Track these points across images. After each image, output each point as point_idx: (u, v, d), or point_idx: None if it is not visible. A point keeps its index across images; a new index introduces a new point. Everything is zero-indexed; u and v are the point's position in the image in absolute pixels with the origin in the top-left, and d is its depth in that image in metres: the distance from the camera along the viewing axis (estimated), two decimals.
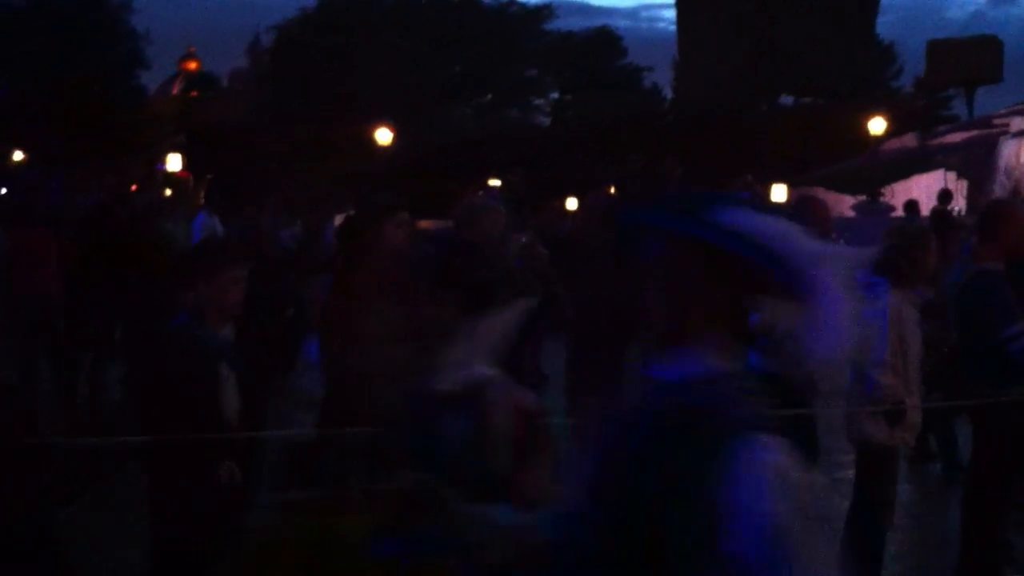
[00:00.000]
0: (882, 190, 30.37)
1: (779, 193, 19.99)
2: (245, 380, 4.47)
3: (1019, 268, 5.42)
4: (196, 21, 77.71)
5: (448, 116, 51.48)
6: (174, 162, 24.48)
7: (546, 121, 56.82)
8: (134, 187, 16.54)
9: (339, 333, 5.05)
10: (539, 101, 57.79)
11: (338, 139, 39.14)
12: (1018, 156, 38.75)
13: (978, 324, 5.23)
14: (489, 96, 55.30)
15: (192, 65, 63.52)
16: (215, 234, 10.83)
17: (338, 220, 11.86)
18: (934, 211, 14.41)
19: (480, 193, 15.11)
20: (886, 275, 5.06)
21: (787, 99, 57.65)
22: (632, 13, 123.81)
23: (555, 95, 57.72)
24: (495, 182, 18.63)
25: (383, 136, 33.41)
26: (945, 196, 15.21)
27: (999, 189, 35.49)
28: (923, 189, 31.83)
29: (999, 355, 5.11)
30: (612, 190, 19.56)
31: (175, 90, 58.58)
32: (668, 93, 60.74)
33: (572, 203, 19.51)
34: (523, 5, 55.66)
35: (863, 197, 27.20)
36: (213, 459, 4.27)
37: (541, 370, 9.18)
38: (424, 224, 13.76)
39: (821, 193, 35.30)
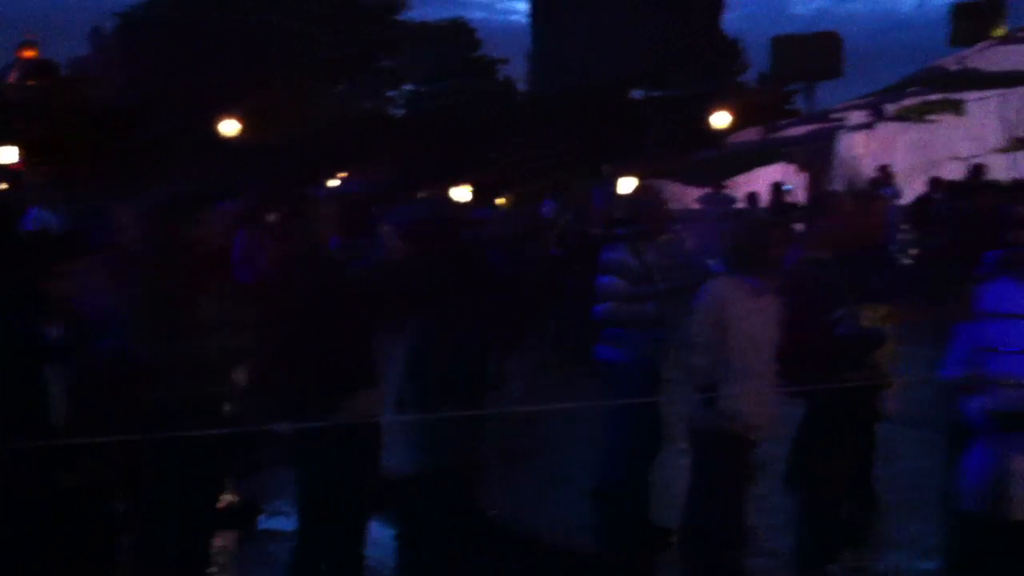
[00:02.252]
0: (726, 182, 31.16)
1: (628, 185, 20.33)
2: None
3: (849, 257, 5.63)
4: (38, 9, 74.76)
5: (299, 105, 50.75)
6: (8, 154, 23.38)
7: (400, 112, 56.57)
8: None
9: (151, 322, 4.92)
10: (393, 92, 57.48)
11: (188, 127, 38.18)
12: (855, 149, 40.29)
13: (808, 310, 5.41)
14: (343, 86, 54.73)
15: (29, 53, 61.03)
16: (47, 228, 10.41)
17: None
18: (770, 202, 14.90)
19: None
20: (724, 263, 5.21)
21: (637, 93, 58.65)
22: (487, 4, 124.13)
23: (409, 86, 57.50)
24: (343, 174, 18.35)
25: (228, 127, 32.68)
26: (777, 188, 15.74)
27: (837, 181, 36.84)
28: (766, 181, 32.73)
29: (827, 339, 5.30)
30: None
31: (12, 79, 56.35)
32: (522, 85, 61.17)
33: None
34: None
35: (708, 189, 27.87)
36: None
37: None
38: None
39: (668, 185, 36.11)
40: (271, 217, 11.44)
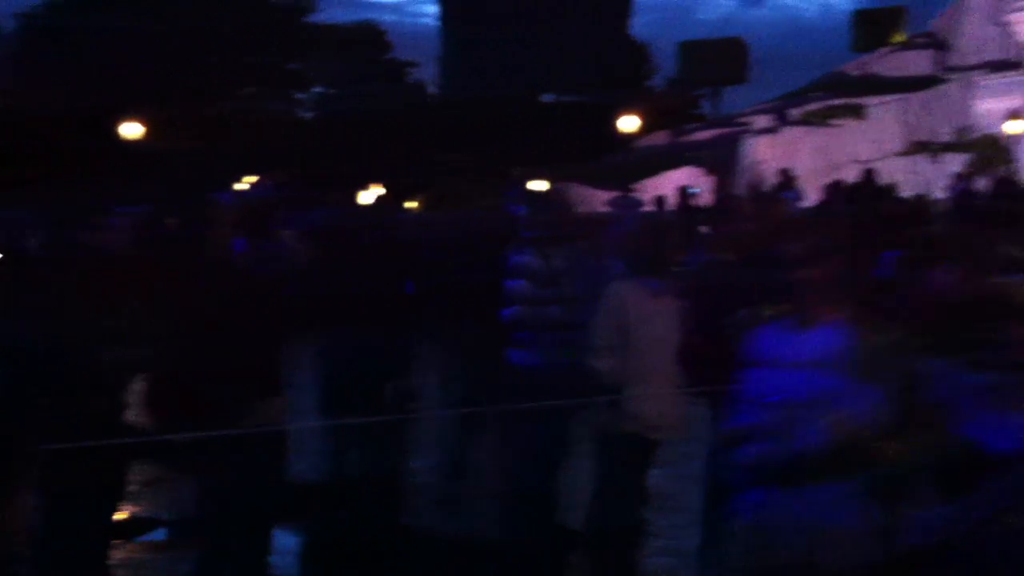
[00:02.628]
0: (635, 186, 31.49)
1: (538, 189, 20.36)
2: None
3: (751, 259, 5.70)
4: None
5: (205, 108, 50.05)
6: None
7: (309, 115, 56.11)
8: None
9: None
10: (302, 95, 56.99)
11: (86, 130, 37.33)
12: (759, 152, 41.00)
13: (711, 311, 5.46)
14: (249, 89, 54.10)
15: None
16: None
17: None
18: (677, 206, 15.08)
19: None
20: (624, 266, 5.24)
21: (548, 97, 58.99)
22: (397, 7, 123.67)
23: (318, 89, 57.08)
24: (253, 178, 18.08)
25: (131, 130, 32.01)
26: (684, 191, 15.95)
27: (743, 185, 37.47)
28: (673, 185, 33.15)
29: (731, 340, 5.36)
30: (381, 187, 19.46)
31: None
32: (433, 89, 61.09)
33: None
34: None
35: (616, 193, 28.13)
36: None
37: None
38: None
39: (578, 188, 36.37)
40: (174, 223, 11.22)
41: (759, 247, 5.60)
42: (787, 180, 16.00)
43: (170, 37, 46.55)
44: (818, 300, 3.88)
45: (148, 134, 34.26)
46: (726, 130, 43.68)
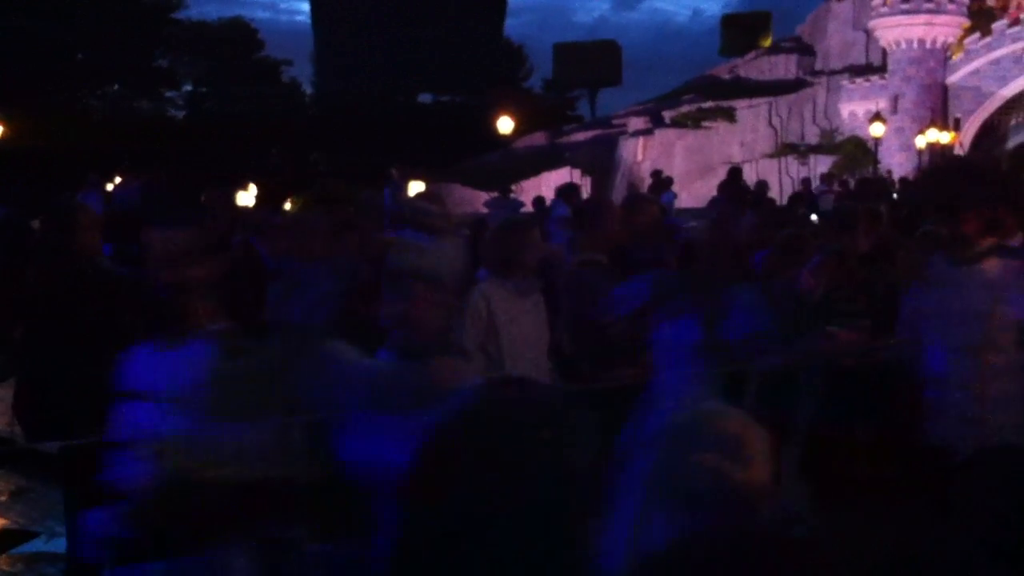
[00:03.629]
0: (513, 186, 31.66)
1: (417, 189, 20.31)
2: None
3: (622, 259, 5.78)
4: None
5: (71, 105, 48.63)
6: None
7: (179, 114, 54.93)
8: None
9: None
10: (172, 93, 55.74)
11: None
12: (635, 154, 41.70)
13: (582, 311, 5.52)
14: (116, 86, 52.70)
15: None
16: None
17: None
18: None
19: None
20: (487, 265, 5.23)
21: (425, 96, 58.89)
22: (271, 4, 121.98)
23: (189, 87, 55.91)
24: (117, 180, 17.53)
25: None
26: (567, 191, 16.07)
27: (619, 184, 38.04)
28: (552, 185, 33.44)
29: (603, 340, 5.42)
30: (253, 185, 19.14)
31: None
32: (307, 88, 60.43)
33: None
34: None
35: (496, 193, 28.24)
36: None
37: None
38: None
39: (458, 188, 36.48)
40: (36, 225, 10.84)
41: (630, 246, 5.68)
42: (660, 182, 16.27)
43: (34, 33, 45.06)
44: (193, 309, 3.12)
45: (8, 133, 33.09)
46: (602, 131, 44.29)
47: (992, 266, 3.96)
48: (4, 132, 31.68)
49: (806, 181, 22.18)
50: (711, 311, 4.42)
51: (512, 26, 65.97)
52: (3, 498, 6.79)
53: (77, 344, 5.06)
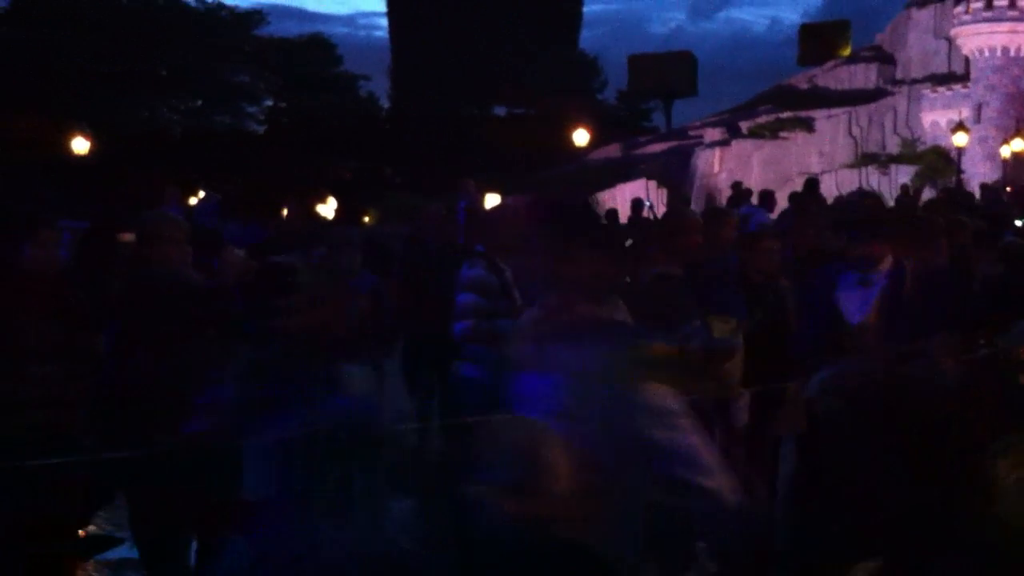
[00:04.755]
0: (588, 198, 31.66)
1: (492, 201, 20.43)
2: None
3: (694, 270, 5.74)
4: None
5: (154, 121, 49.70)
6: None
7: (259, 128, 55.79)
8: None
9: None
10: (252, 108, 56.66)
11: (31, 140, 36.86)
12: (711, 165, 41.45)
13: (657, 324, 5.48)
14: (199, 102, 53.73)
15: None
16: None
17: None
18: (630, 220, 15.16)
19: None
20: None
21: (500, 109, 59.10)
22: (349, 20, 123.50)
23: (268, 102, 56.78)
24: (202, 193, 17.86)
25: (79, 145, 31.61)
26: (637, 205, 16.04)
27: (695, 196, 37.82)
28: (627, 197, 33.38)
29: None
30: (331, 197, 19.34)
31: None
32: (385, 102, 60.99)
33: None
34: (232, 9, 54.42)
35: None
36: None
37: None
38: (126, 237, 13.07)
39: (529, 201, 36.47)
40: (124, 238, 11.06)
41: (707, 258, 5.63)
42: (739, 194, 16.07)
43: (118, 51, 46.14)
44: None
45: (94, 148, 33.90)
46: (677, 143, 44.10)
47: None
48: (90, 147, 32.47)
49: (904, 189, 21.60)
50: None
51: (587, 38, 65.98)
52: (92, 505, 6.93)
53: (158, 355, 5.15)
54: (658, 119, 58.47)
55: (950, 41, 40.04)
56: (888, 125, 41.50)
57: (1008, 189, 21.18)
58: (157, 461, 5.04)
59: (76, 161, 32.22)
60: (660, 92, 55.90)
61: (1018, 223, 10.97)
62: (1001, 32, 36.77)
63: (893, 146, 40.58)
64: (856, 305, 4.62)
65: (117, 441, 5.27)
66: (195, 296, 5.35)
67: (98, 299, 6.08)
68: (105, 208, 17.95)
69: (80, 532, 6.34)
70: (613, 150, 44.85)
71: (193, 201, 17.90)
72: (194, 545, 5.46)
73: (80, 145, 31.95)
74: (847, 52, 47.37)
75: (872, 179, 38.41)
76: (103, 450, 5.34)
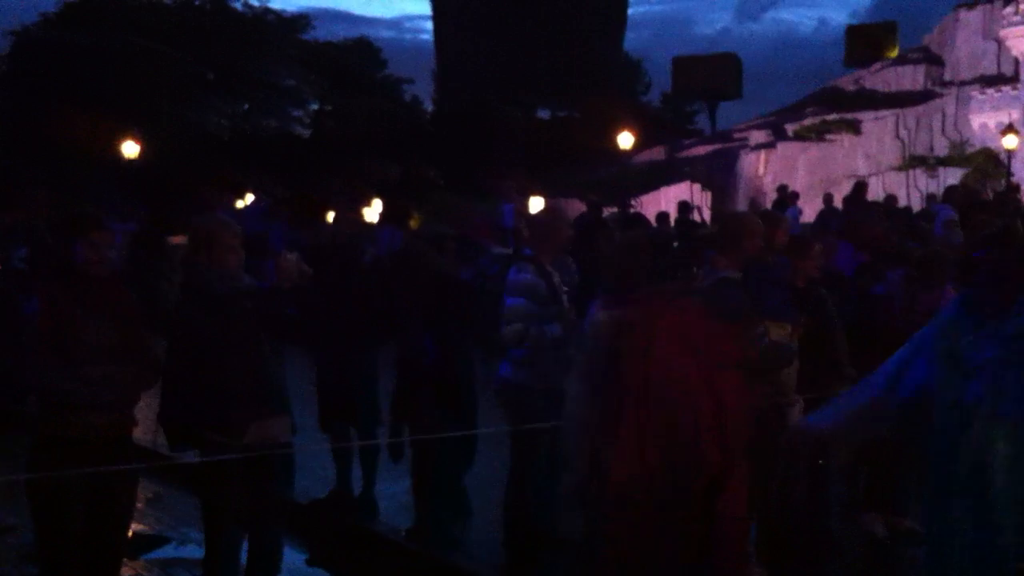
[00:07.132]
0: (632, 201, 31.56)
1: (536, 204, 20.43)
2: None
3: (753, 272, 5.71)
4: None
5: (202, 124, 50.14)
6: None
7: (305, 131, 56.11)
8: None
9: (47, 350, 4.76)
10: (298, 111, 57.03)
11: (84, 144, 37.34)
12: (756, 168, 41.14)
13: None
14: (246, 106, 54.16)
15: None
16: None
17: None
18: (677, 222, 15.10)
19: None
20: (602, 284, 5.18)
21: (543, 112, 59.05)
22: (395, 24, 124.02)
23: (314, 105, 57.11)
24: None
25: (129, 149, 31.99)
26: (684, 207, 16.00)
27: (740, 199, 37.57)
28: (671, 199, 33.23)
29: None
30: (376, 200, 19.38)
31: None
32: (429, 104, 61.18)
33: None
34: (279, 13, 54.81)
35: (614, 208, 28.16)
36: None
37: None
38: (176, 240, 13.22)
39: (576, 204, 36.45)
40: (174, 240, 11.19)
41: (764, 263, 5.59)
42: (786, 196, 15.97)
43: (166, 56, 46.58)
44: None
45: (144, 152, 34.29)
46: (722, 145, 43.82)
47: None
48: (140, 151, 32.84)
49: (931, 197, 21.59)
50: None
51: (631, 40, 65.81)
52: (139, 504, 7.00)
53: (217, 356, 5.20)
54: (703, 121, 58.15)
55: (999, 42, 39.49)
56: (936, 127, 40.97)
57: None
58: (225, 462, 5.11)
59: (127, 164, 32.60)
60: (705, 94, 55.55)
61: None
62: None
63: (941, 148, 40.07)
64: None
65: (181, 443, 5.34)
66: (254, 301, 5.40)
67: (150, 302, 6.14)
68: (152, 211, 18.11)
69: (132, 531, 6.41)
70: (657, 152, 44.64)
71: (240, 204, 17.99)
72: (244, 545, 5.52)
73: (130, 149, 32.32)
74: (894, 53, 46.82)
75: (920, 182, 37.97)
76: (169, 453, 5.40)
